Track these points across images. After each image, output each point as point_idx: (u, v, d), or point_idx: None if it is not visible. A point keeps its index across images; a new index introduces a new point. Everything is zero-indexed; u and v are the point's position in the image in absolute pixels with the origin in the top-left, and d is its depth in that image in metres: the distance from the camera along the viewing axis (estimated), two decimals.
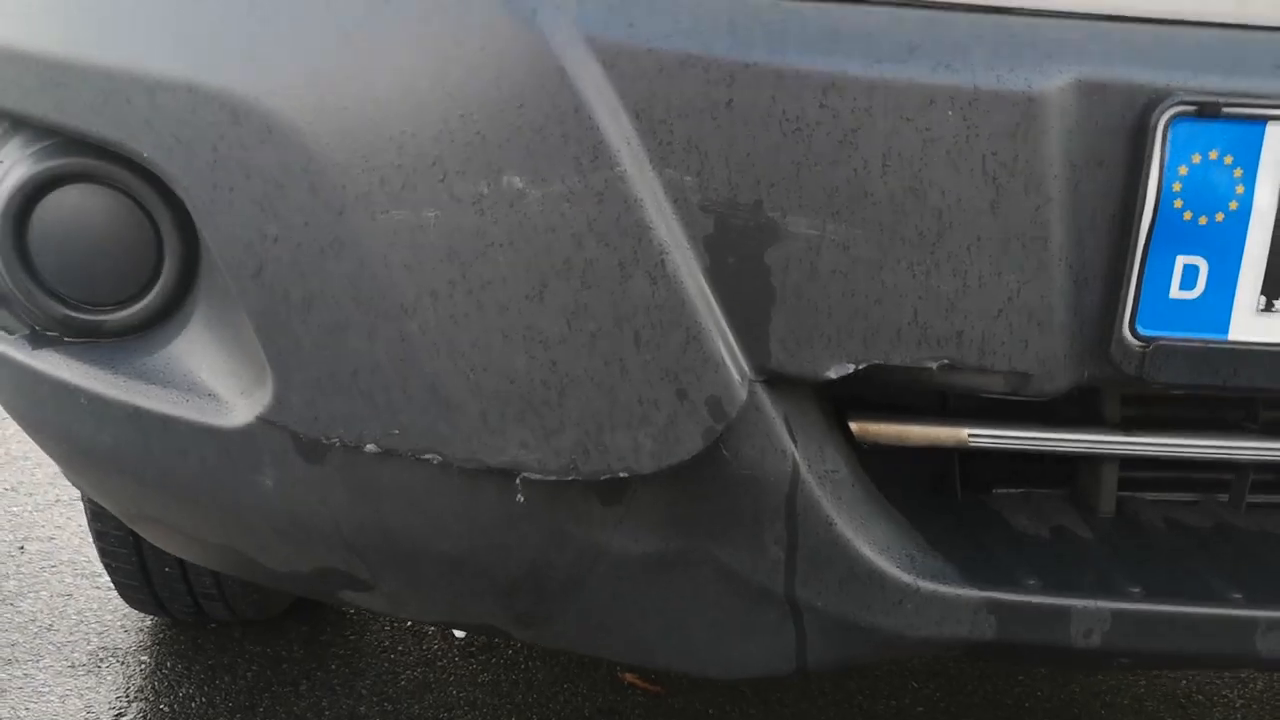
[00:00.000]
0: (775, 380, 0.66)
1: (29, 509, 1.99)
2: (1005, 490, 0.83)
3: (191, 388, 0.77)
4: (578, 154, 0.62)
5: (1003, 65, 0.63)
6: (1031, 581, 0.72)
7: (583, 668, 1.38)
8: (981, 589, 0.70)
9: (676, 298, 0.64)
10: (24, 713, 1.41)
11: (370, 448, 0.70)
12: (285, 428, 0.71)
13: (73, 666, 1.50)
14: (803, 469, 0.68)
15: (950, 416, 0.77)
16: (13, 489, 2.07)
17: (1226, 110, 0.62)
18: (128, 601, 1.55)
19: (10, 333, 0.87)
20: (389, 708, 1.40)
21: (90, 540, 1.64)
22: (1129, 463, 0.81)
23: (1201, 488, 0.85)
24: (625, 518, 0.70)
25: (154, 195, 0.76)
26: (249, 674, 1.49)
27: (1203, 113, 0.62)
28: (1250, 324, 0.66)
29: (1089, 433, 0.77)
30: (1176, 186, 0.63)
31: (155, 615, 1.57)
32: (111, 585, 1.59)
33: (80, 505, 1.97)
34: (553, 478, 0.67)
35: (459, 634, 1.39)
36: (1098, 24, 0.64)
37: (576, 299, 0.64)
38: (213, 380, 0.76)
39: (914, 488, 0.81)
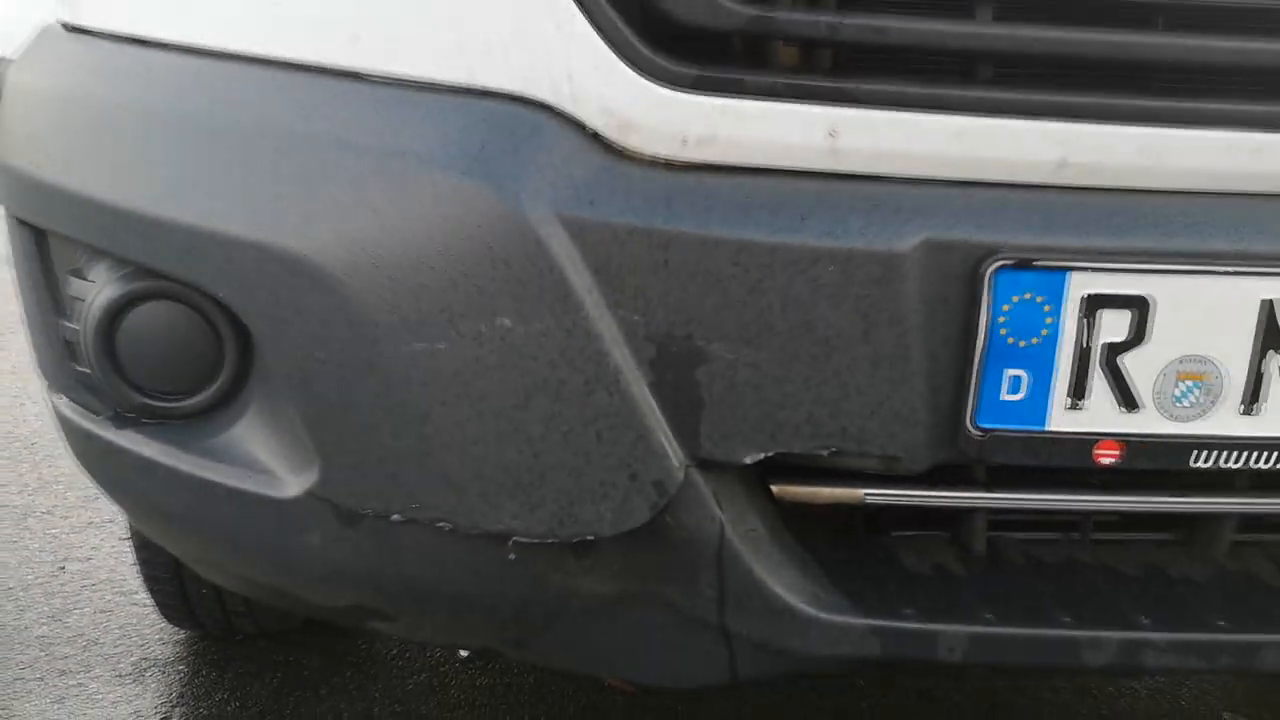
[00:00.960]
0: (705, 464, 0.88)
1: (66, 531, 2.19)
2: (900, 534, 1.04)
3: (251, 465, 0.98)
4: (552, 301, 0.83)
5: (871, 231, 0.84)
6: (908, 611, 0.93)
7: (569, 673, 1.58)
8: (868, 618, 0.92)
9: (628, 406, 0.85)
10: (81, 718, 1.61)
11: (395, 517, 0.91)
12: (329, 501, 0.92)
13: (120, 676, 1.71)
14: (728, 530, 0.89)
15: (851, 479, 0.98)
16: (49, 512, 2.27)
17: (1036, 263, 0.84)
18: (166, 617, 1.76)
19: (97, 414, 1.08)
20: (399, 709, 1.62)
21: (125, 561, 1.85)
22: (996, 511, 1.02)
23: (1060, 527, 1.07)
24: (593, 568, 0.91)
25: (219, 315, 0.96)
26: (274, 680, 1.70)
27: (1019, 265, 0.84)
28: (1062, 418, 0.87)
29: (960, 490, 0.98)
30: (1002, 319, 0.84)
31: (189, 629, 1.78)
32: (147, 602, 1.80)
33: (111, 528, 2.18)
34: (536, 540, 0.88)
35: (463, 652, 1.61)
36: (942, 190, 0.85)
37: (552, 408, 0.85)
38: (269, 460, 0.97)
39: (827, 533, 1.03)
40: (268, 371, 0.96)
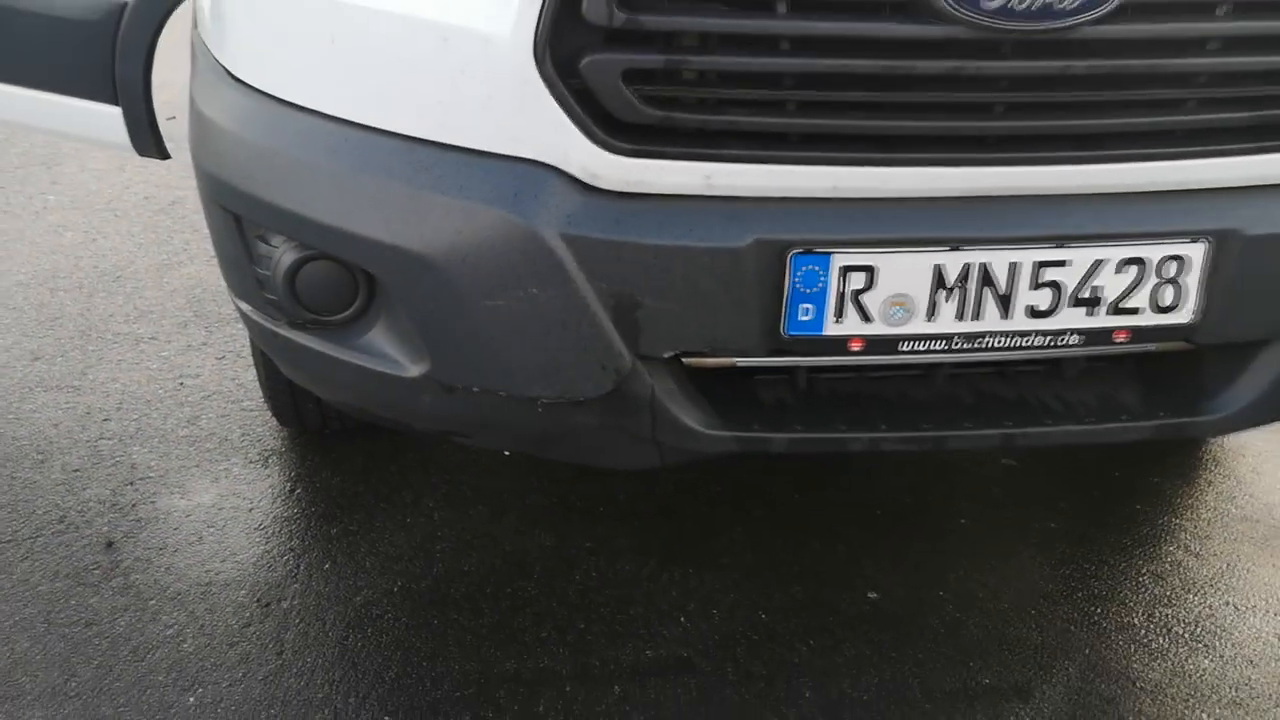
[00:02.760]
0: (643, 357, 1.63)
1: (172, 353, 2.92)
2: (761, 379, 1.81)
3: (384, 356, 1.72)
4: (557, 279, 1.55)
5: (725, 235, 1.56)
6: (755, 426, 1.72)
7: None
8: (732, 431, 1.70)
9: (600, 330, 1.59)
10: (234, 496, 2.40)
11: (475, 389, 1.66)
12: (436, 379, 1.67)
13: (250, 462, 2.50)
14: (655, 390, 1.65)
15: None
16: (153, 338, 2.99)
17: (814, 250, 1.57)
18: (277, 418, 2.53)
19: (275, 320, 1.80)
20: (448, 477, 2.42)
21: (225, 376, 2.61)
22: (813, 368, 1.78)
23: (851, 370, 1.83)
24: (583, 412, 1.68)
25: (358, 270, 1.67)
26: (360, 461, 2.50)
27: (805, 251, 1.57)
28: (831, 328, 1.62)
29: (780, 359, 1.74)
30: (797, 280, 1.58)
31: (293, 427, 2.55)
32: (255, 408, 2.57)
33: (206, 350, 2.88)
34: (553, 400, 1.65)
35: (506, 452, 2.40)
36: (765, 207, 1.57)
37: (560, 333, 1.59)
38: (394, 353, 1.71)
39: (717, 383, 1.78)
40: (390, 302, 1.68)
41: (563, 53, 1.51)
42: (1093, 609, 2.16)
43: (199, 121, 1.81)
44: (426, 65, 1.58)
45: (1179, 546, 2.35)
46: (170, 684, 1.91)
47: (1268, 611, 2.18)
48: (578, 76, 1.52)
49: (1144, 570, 2.27)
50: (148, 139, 2.49)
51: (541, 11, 1.49)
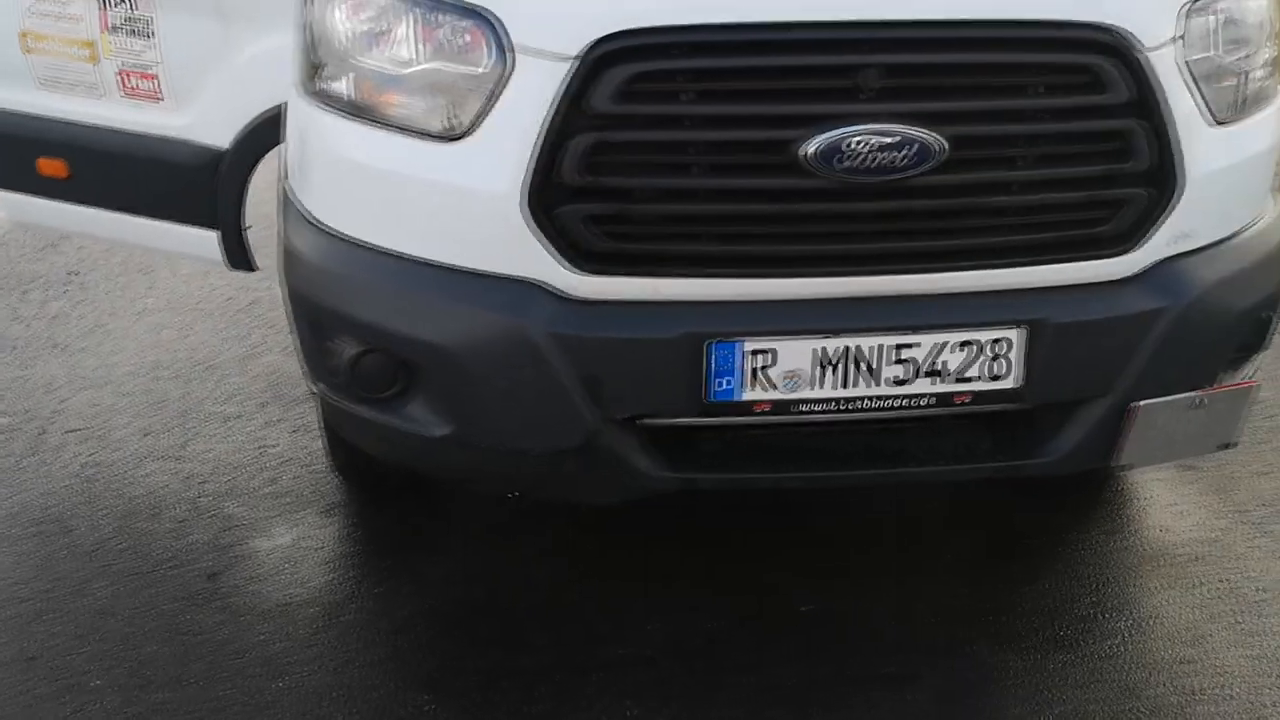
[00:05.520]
0: (606, 419, 2.23)
1: (255, 428, 3.55)
2: (701, 433, 2.40)
3: (419, 421, 2.33)
4: (543, 365, 2.17)
5: (665, 329, 2.17)
6: (692, 470, 2.31)
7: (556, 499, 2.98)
8: (676, 474, 2.30)
9: (573, 404, 2.19)
10: (308, 539, 3.02)
11: (485, 446, 2.28)
12: (455, 438, 2.29)
13: (321, 513, 3.10)
14: (616, 443, 2.24)
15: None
16: (239, 415, 3.62)
17: (727, 339, 2.17)
18: (339, 474, 3.14)
19: (341, 397, 2.43)
20: (472, 524, 3.03)
21: (299, 445, 3.24)
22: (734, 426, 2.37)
23: (769, 428, 2.42)
24: (563, 459, 2.27)
25: (403, 361, 2.30)
26: (404, 509, 3.10)
27: (720, 341, 2.17)
28: (743, 395, 2.21)
29: (709, 419, 2.32)
30: (716, 361, 2.19)
31: (353, 484, 3.17)
32: (322, 468, 3.19)
33: (282, 425, 3.47)
34: (541, 453, 2.26)
35: (510, 495, 3.01)
36: (692, 307, 2.18)
37: (545, 404, 2.20)
38: (428, 419, 2.32)
39: (666, 435, 2.38)
40: (424, 383, 2.31)
41: (544, 204, 2.14)
42: (986, 618, 2.71)
43: (288, 252, 2.46)
44: (450, 213, 2.23)
45: (1070, 567, 2.88)
46: (263, 674, 2.52)
47: (1135, 617, 2.71)
48: (556, 220, 2.15)
49: (1034, 587, 2.81)
50: (240, 257, 3.18)
51: (528, 176, 2.12)
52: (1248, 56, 2.45)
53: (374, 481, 3.11)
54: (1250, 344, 2.51)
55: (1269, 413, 3.69)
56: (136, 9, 3.12)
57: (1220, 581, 2.83)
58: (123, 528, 3.04)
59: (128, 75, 3.19)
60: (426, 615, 2.73)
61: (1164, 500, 3.18)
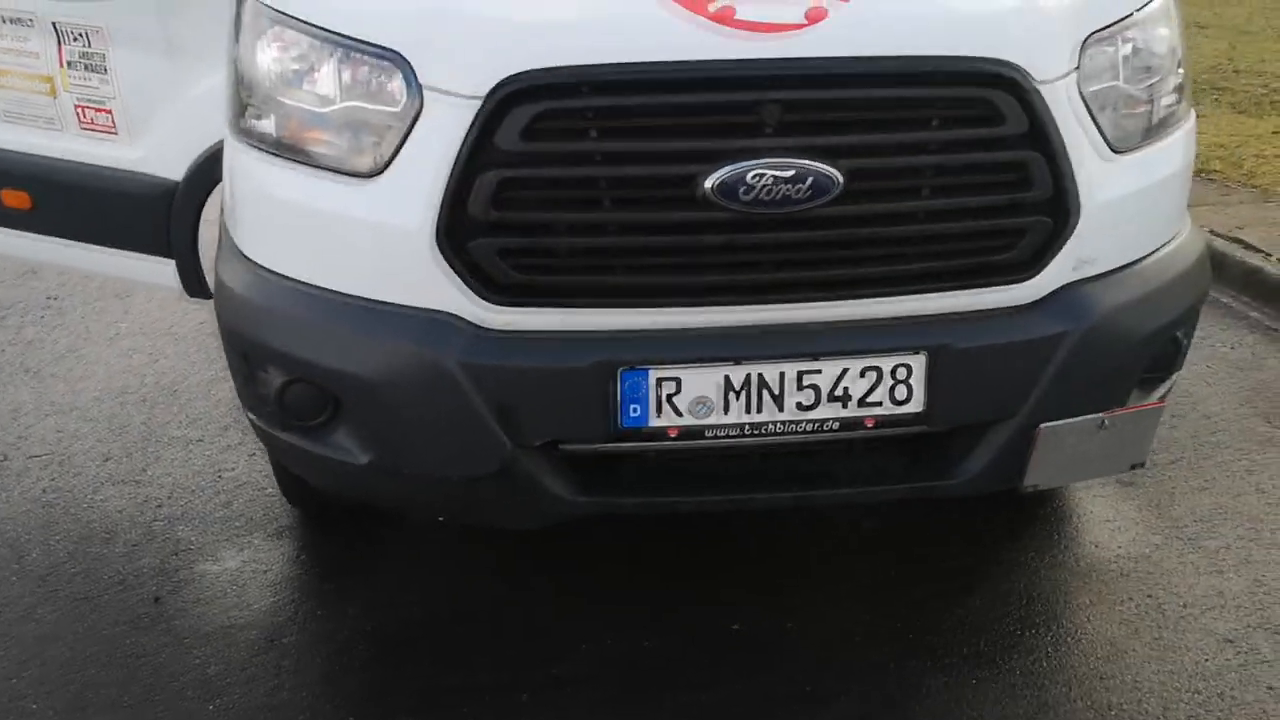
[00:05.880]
0: (520, 445, 2.29)
1: (214, 452, 3.63)
2: (618, 458, 2.46)
3: (344, 449, 2.40)
4: (456, 393, 2.23)
5: (575, 358, 2.24)
6: (606, 495, 2.37)
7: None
8: (590, 497, 2.36)
9: (488, 429, 2.26)
10: (254, 562, 3.09)
11: (405, 471, 2.34)
12: (378, 466, 2.35)
13: (270, 536, 3.18)
14: (532, 468, 2.31)
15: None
16: (200, 440, 3.71)
17: (636, 367, 2.23)
18: (288, 500, 3.21)
19: (270, 425, 2.50)
20: (413, 548, 3.09)
21: (254, 470, 3.30)
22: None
23: (681, 453, 2.48)
24: (482, 486, 2.34)
25: (327, 391, 2.37)
26: (344, 531, 3.17)
27: (630, 369, 2.24)
28: (654, 421, 2.27)
29: (620, 444, 2.38)
30: (626, 389, 2.24)
31: (299, 508, 3.24)
32: (274, 494, 3.26)
33: (241, 449, 3.57)
34: (460, 478, 2.32)
35: (440, 519, 3.07)
36: (602, 337, 2.25)
37: (460, 432, 2.27)
38: (352, 447, 2.39)
39: (584, 461, 2.44)
40: (348, 413, 2.37)
41: (455, 239, 2.21)
42: (912, 636, 2.75)
43: (219, 285, 2.54)
44: (366, 248, 2.30)
45: (1000, 584, 2.93)
46: (197, 697, 2.58)
47: (1058, 633, 2.75)
48: (468, 254, 2.22)
49: (964, 604, 2.86)
50: (195, 284, 3.25)
51: (439, 212, 2.19)
52: (1155, 84, 2.51)
53: (320, 506, 3.17)
54: (1161, 366, 2.56)
55: (1214, 428, 3.74)
56: (91, 45, 3.20)
57: (1146, 597, 2.87)
58: (76, 552, 3.12)
59: (84, 109, 3.28)
60: (367, 637, 2.80)
61: (1101, 516, 3.23)
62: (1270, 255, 5.07)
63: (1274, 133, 7.75)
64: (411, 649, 2.76)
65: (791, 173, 2.15)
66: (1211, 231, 5.41)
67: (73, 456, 3.63)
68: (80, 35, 3.16)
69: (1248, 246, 5.19)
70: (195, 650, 2.73)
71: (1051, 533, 3.17)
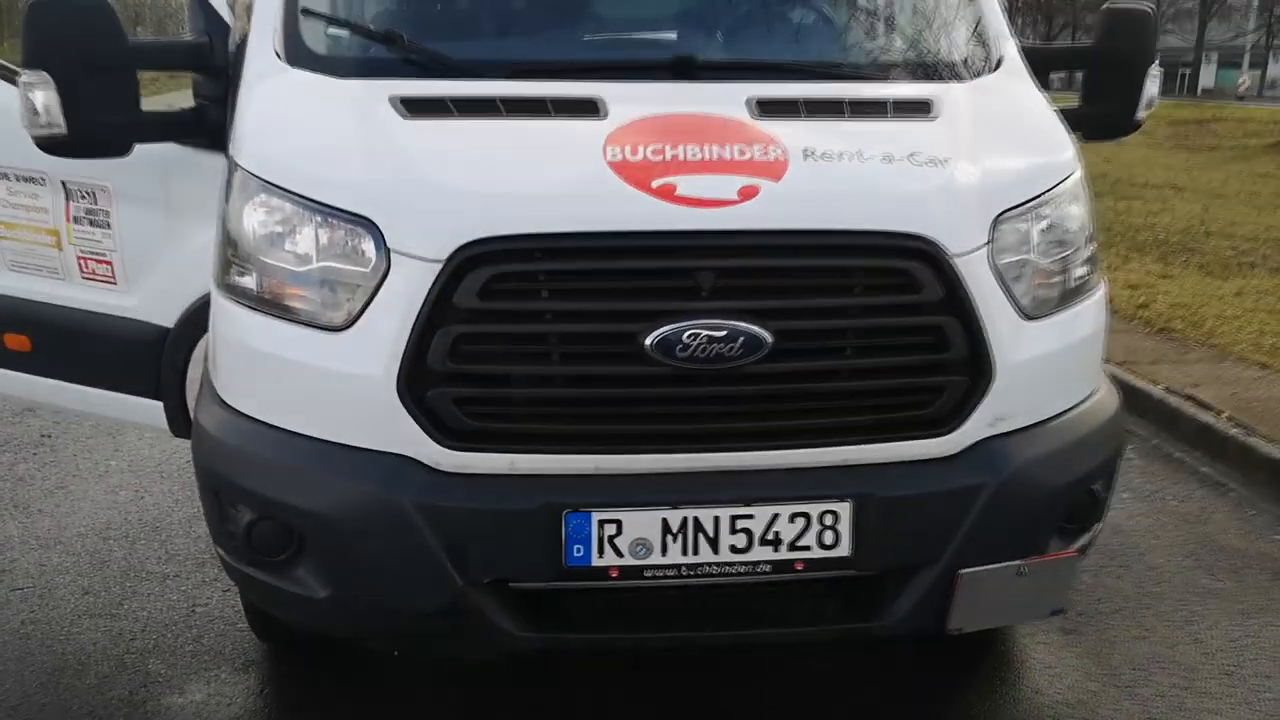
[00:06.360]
0: (470, 580, 2.44)
1: (189, 587, 3.75)
2: (566, 595, 2.60)
3: (304, 584, 2.54)
4: (412, 531, 2.39)
5: (521, 500, 2.40)
6: (555, 631, 2.51)
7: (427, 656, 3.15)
8: (539, 634, 2.49)
9: (440, 566, 2.41)
10: (219, 695, 3.19)
11: (360, 604, 2.48)
12: (335, 599, 2.49)
13: (237, 669, 3.28)
14: (482, 603, 2.45)
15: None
16: (176, 576, 3.82)
17: (580, 509, 2.40)
18: (256, 634, 3.33)
19: (239, 560, 2.64)
20: (373, 682, 3.20)
21: (227, 604, 3.42)
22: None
23: (628, 591, 2.62)
24: (434, 620, 2.47)
25: (290, 529, 2.52)
26: (314, 668, 3.27)
27: (574, 510, 2.40)
28: (596, 561, 2.42)
29: (563, 583, 2.53)
30: (572, 529, 2.40)
31: (269, 641, 3.35)
32: (244, 629, 3.37)
33: (216, 585, 3.68)
34: (413, 613, 2.46)
35: (395, 653, 3.19)
36: (548, 480, 2.42)
37: (414, 568, 2.42)
38: (313, 582, 2.53)
39: (530, 598, 2.57)
40: (311, 549, 2.52)
41: (415, 387, 2.40)
42: None
43: (197, 427, 2.72)
44: (334, 394, 2.48)
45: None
46: None
47: None
48: (426, 402, 2.41)
49: None
50: (182, 425, 3.43)
51: (401, 363, 2.39)
52: (1068, 256, 2.74)
53: (288, 640, 3.29)
54: (1079, 517, 2.72)
55: (1157, 579, 3.87)
56: (97, 202, 3.46)
57: None
58: (48, 683, 3.22)
59: (86, 260, 3.52)
60: None
61: (1043, 661, 3.34)
62: (1221, 413, 5.27)
63: (1236, 294, 8.06)
64: None
65: (724, 333, 2.36)
66: (1166, 389, 5.64)
67: (54, 590, 3.75)
68: (88, 193, 3.42)
69: (1200, 404, 5.40)
70: None
71: (994, 676, 3.27)
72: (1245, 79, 59.07)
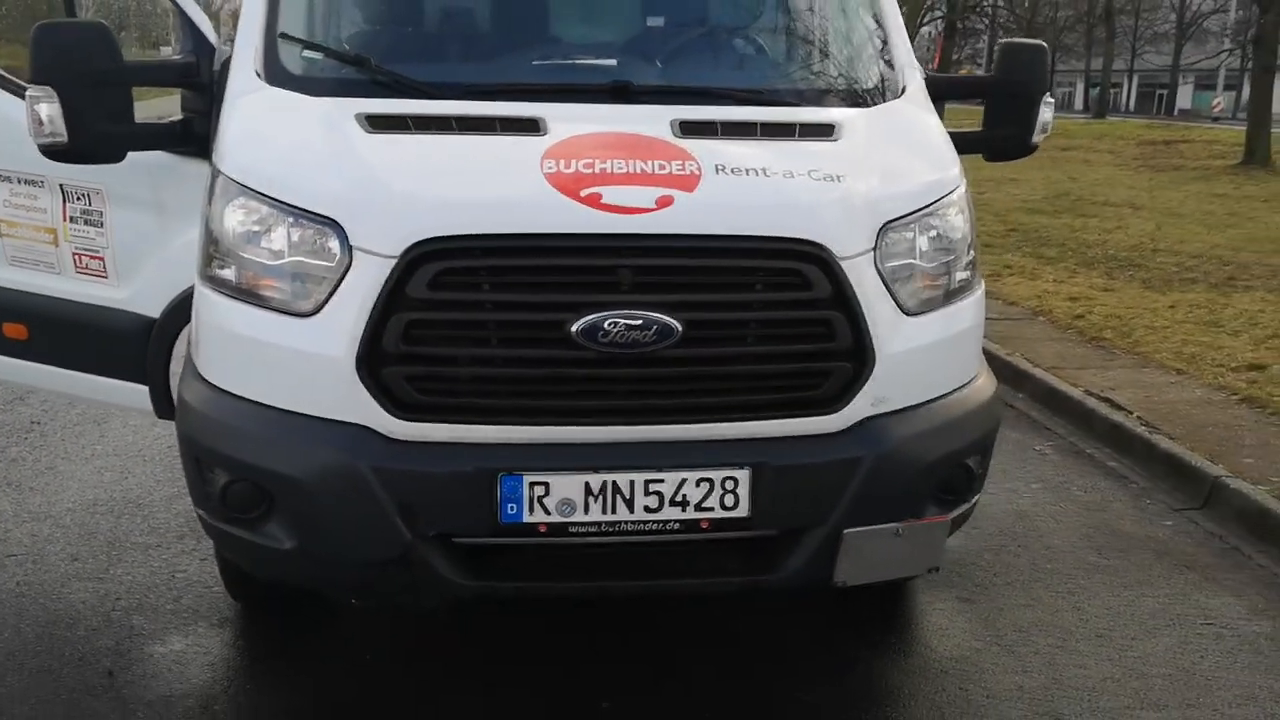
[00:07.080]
0: (418, 535, 2.81)
1: (170, 556, 4.11)
2: (505, 548, 2.98)
3: (274, 537, 2.91)
4: (368, 492, 2.76)
5: (458, 464, 2.77)
6: (493, 580, 2.88)
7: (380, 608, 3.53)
8: (479, 582, 2.86)
9: (392, 521, 2.78)
10: (197, 645, 3.55)
11: (323, 556, 2.86)
12: (300, 550, 2.86)
13: (213, 625, 3.65)
14: (429, 556, 2.82)
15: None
16: (158, 545, 4.19)
17: (513, 472, 2.77)
18: (231, 595, 3.69)
19: (215, 518, 3.01)
20: (340, 640, 3.56)
21: (206, 570, 3.78)
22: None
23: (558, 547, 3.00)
24: (387, 569, 2.85)
25: (263, 488, 2.89)
26: (285, 624, 3.64)
27: (507, 473, 2.78)
28: (527, 518, 2.79)
29: (501, 538, 2.91)
30: (506, 491, 2.78)
31: (241, 601, 3.71)
32: (220, 590, 3.74)
33: (195, 554, 4.05)
34: (366, 562, 2.84)
35: (354, 600, 3.56)
36: (483, 447, 2.79)
37: (368, 523, 2.79)
38: (281, 535, 2.90)
39: (474, 550, 2.95)
40: (280, 506, 2.89)
41: (372, 366, 2.78)
42: None
43: (180, 402, 3.09)
44: (299, 372, 2.86)
45: (838, 678, 3.41)
46: None
47: (882, 716, 3.23)
48: (381, 379, 2.78)
49: (806, 697, 3.33)
50: (165, 407, 3.79)
51: (360, 345, 2.76)
52: (949, 261, 3.14)
53: (259, 599, 3.65)
54: (955, 488, 3.11)
55: (1051, 557, 4.27)
56: (92, 204, 3.82)
57: (959, 690, 3.36)
58: (42, 634, 3.57)
59: (80, 256, 3.88)
60: (289, 712, 3.24)
61: (937, 625, 3.73)
62: (1132, 413, 5.69)
63: (1170, 307, 8.50)
64: None
65: (640, 322, 2.74)
66: (1086, 391, 6.06)
67: (45, 557, 4.10)
68: (83, 195, 3.78)
69: (1114, 405, 5.82)
70: (139, 713, 3.17)
71: (891, 635, 3.66)
72: (1220, 100, 60.02)
